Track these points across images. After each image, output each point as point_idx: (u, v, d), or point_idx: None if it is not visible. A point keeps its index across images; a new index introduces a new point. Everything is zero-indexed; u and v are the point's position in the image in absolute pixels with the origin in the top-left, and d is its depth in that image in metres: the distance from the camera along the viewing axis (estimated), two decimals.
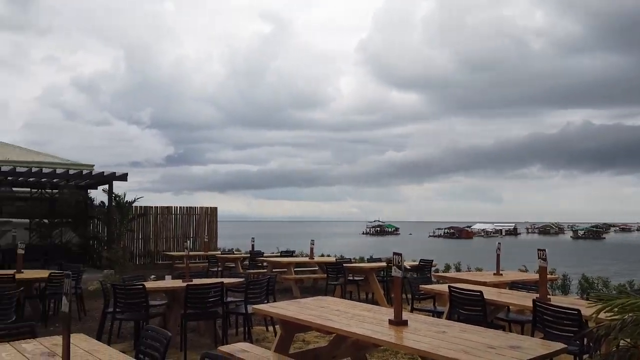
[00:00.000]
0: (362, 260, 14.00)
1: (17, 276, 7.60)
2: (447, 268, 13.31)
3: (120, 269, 12.71)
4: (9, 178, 13.14)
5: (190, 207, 18.16)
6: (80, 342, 3.60)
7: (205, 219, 18.21)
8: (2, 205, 14.94)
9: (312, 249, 12.10)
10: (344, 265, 10.28)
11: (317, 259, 12.55)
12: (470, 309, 5.77)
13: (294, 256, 13.92)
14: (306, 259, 12.45)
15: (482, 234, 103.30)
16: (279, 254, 14.51)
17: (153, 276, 11.00)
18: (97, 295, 10.03)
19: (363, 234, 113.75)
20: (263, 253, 14.39)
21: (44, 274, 8.20)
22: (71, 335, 2.87)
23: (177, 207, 17.92)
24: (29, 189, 15.08)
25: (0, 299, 5.54)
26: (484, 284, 6.82)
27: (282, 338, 4.72)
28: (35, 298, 8.32)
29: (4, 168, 12.56)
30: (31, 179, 13.79)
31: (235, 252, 15.81)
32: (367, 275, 10.07)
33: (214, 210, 18.55)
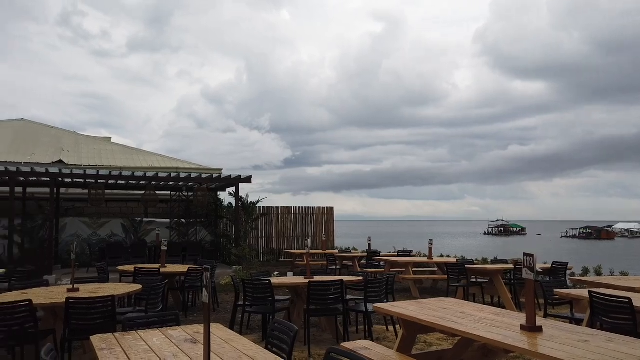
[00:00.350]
0: (485, 261, 13.28)
1: (162, 270, 8.51)
2: (586, 272, 12.07)
3: (247, 265, 13.61)
4: (152, 183, 14.80)
5: (308, 207, 18.80)
6: (217, 331, 3.91)
7: (323, 219, 18.72)
8: (148, 206, 16.87)
9: (430, 249, 11.77)
10: (466, 266, 9.83)
11: (436, 259, 12.18)
12: (616, 317, 5.14)
13: (411, 256, 13.68)
14: (425, 259, 12.15)
15: (627, 234, 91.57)
16: (396, 253, 14.36)
17: (276, 272, 11.57)
18: (228, 289, 10.87)
19: (484, 234, 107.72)
20: (380, 252, 14.36)
21: (183, 268, 9.08)
22: (210, 324, 3.13)
23: (296, 207, 18.68)
24: (168, 192, 16.84)
25: (151, 290, 6.24)
26: (633, 290, 6.04)
27: (404, 338, 4.65)
28: (177, 290, 9.24)
29: (149, 174, 14.17)
30: (170, 183, 15.38)
31: (352, 251, 16.00)
32: (492, 277, 9.52)
33: (330, 210, 18.99)
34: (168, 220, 16.85)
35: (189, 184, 15.90)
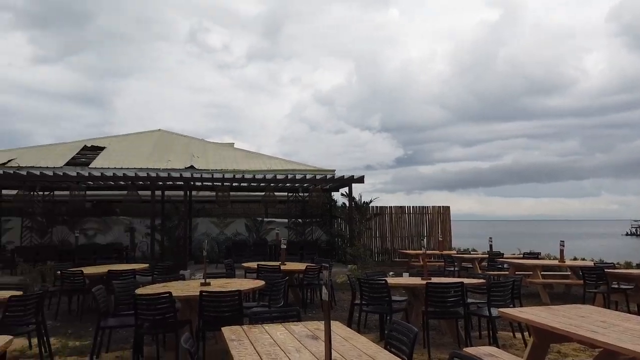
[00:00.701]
0: (629, 265, 11.78)
1: (282, 267, 8.91)
2: None
3: (362, 264, 13.69)
4: (271, 184, 15.60)
5: (423, 207, 18.35)
6: (337, 329, 3.96)
7: (438, 218, 18.13)
8: (268, 207, 17.82)
9: (562, 251, 10.75)
10: (606, 270, 8.80)
11: (568, 262, 11.09)
12: None
13: (539, 258, 12.63)
14: (555, 262, 11.13)
15: None
16: (522, 255, 13.37)
17: (391, 273, 11.46)
18: (344, 287, 11.01)
19: (626, 234, 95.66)
20: (502, 254, 13.49)
21: (301, 266, 9.41)
22: (330, 321, 3.18)
23: (409, 206, 18.36)
24: (286, 193, 17.61)
25: (273, 287, 6.55)
26: None
27: (535, 347, 4.29)
28: (295, 287, 9.59)
29: (268, 176, 14.96)
30: (287, 184, 16.07)
31: (471, 252, 15.26)
32: (638, 284, 8.40)
33: (446, 209, 18.33)
34: (286, 220, 17.63)
35: (305, 184, 16.47)
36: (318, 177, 15.68)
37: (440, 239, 15.94)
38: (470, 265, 12.70)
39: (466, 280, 6.94)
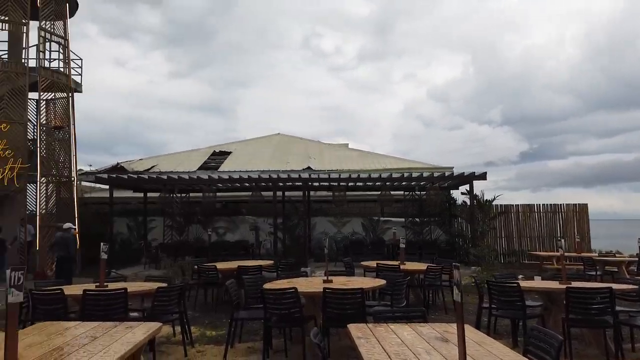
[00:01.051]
0: None
1: (402, 267, 8.74)
2: None
3: (486, 266, 12.93)
4: (387, 183, 15.47)
5: (555, 205, 16.80)
6: (469, 332, 3.74)
7: (574, 217, 16.46)
8: (384, 206, 17.70)
9: None
10: None
11: None
12: None
13: None
14: None
15: None
16: None
17: (521, 276, 10.62)
18: (468, 289, 10.42)
19: None
20: None
21: (422, 266, 9.14)
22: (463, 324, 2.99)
23: (539, 204, 16.92)
24: (402, 192, 17.33)
25: (394, 286, 6.45)
26: None
27: None
28: (416, 287, 9.35)
29: (384, 175, 14.85)
30: (403, 183, 15.80)
31: (616, 255, 13.58)
32: None
33: (583, 207, 16.58)
34: (403, 219, 17.34)
35: (421, 183, 16.04)
36: (436, 174, 15.15)
37: (577, 239, 14.45)
38: (616, 269, 11.30)
39: (615, 286, 6.15)
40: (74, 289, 6.01)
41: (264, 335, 5.92)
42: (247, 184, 15.76)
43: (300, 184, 15.23)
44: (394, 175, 14.91)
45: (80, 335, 3.57)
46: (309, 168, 20.47)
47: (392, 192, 15.55)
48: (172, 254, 15.11)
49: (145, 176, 16.27)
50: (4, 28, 15.22)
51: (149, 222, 17.94)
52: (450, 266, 9.39)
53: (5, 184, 13.96)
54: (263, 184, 15.37)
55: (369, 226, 17.70)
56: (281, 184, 15.55)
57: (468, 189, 14.98)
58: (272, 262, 10.15)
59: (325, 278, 6.47)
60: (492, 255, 14.86)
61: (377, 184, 15.75)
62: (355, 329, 3.89)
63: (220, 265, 9.49)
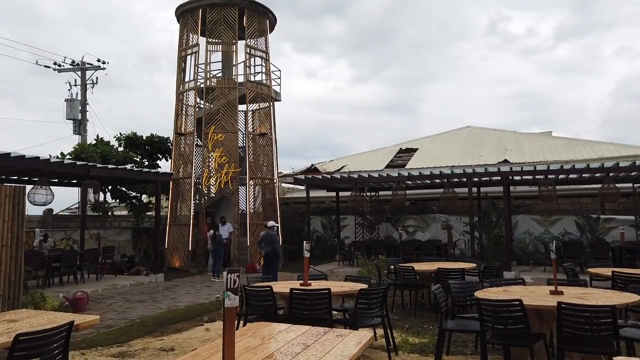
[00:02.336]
0: None
1: None
2: None
3: None
4: (610, 174, 12.89)
5: None
6: None
7: None
8: (606, 202, 14.90)
9: None
10: None
11: None
12: None
13: None
14: None
15: None
16: None
17: None
18: None
19: None
20: None
21: None
22: None
23: None
24: (630, 185, 14.35)
25: None
26: None
27: None
28: None
29: (607, 164, 12.40)
30: (633, 174, 12.99)
31: None
32: None
33: None
34: (633, 217, 14.33)
35: None
36: None
37: None
38: None
39: None
40: (280, 287, 6.13)
41: (481, 353, 5.12)
42: (437, 180, 14.91)
43: (499, 178, 13.73)
44: (622, 164, 12.33)
45: (292, 342, 3.37)
46: (505, 161, 18.59)
47: (617, 185, 12.89)
48: (364, 251, 15.18)
49: (337, 176, 16.73)
50: (218, 49, 17.39)
51: (341, 220, 18.46)
52: None
53: (222, 187, 15.86)
54: (456, 179, 14.32)
55: (585, 225, 15.09)
56: (477, 179, 14.28)
57: None
58: (474, 264, 9.17)
59: (552, 289, 5.35)
60: None
61: (596, 175, 13.27)
62: None
63: (417, 266, 8.93)
